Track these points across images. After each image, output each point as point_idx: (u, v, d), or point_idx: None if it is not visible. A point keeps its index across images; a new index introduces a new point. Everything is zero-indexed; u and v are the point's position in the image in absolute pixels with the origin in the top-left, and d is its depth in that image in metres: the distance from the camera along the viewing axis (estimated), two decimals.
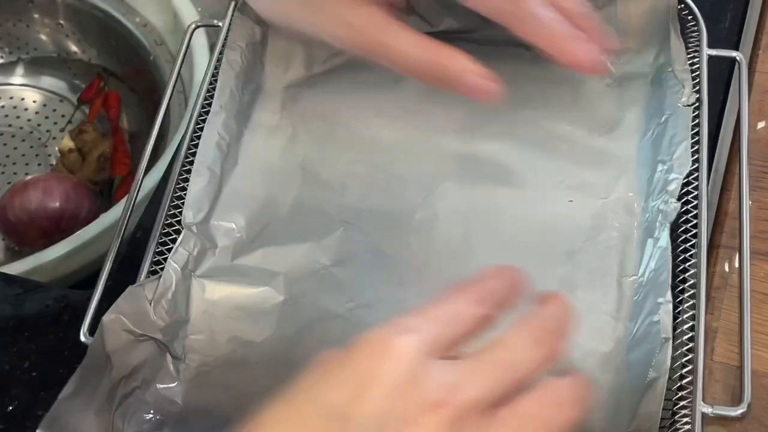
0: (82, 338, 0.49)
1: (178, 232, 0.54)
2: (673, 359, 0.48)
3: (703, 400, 0.45)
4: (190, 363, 0.51)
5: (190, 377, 0.50)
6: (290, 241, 0.56)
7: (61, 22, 0.90)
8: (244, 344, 0.52)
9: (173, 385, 0.50)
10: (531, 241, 0.55)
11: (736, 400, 0.48)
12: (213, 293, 0.54)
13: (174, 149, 0.61)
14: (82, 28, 0.90)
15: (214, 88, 0.60)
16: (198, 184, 0.56)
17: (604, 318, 0.51)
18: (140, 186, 0.57)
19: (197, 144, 0.58)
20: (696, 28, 0.59)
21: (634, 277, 0.52)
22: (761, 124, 0.59)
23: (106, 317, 0.48)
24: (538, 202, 0.57)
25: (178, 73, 0.62)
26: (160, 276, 0.52)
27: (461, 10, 0.57)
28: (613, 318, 0.51)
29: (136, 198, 0.56)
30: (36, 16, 0.90)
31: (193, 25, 0.64)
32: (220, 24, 0.63)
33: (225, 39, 0.62)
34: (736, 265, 0.53)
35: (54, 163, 0.86)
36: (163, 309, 0.51)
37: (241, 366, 0.52)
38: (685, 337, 0.48)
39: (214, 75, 0.61)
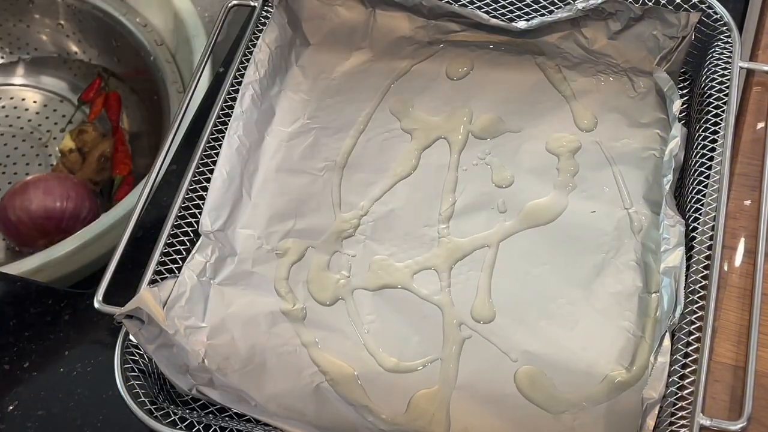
0: (96, 305, 0.51)
1: (187, 234, 0.54)
2: (675, 371, 0.48)
3: (702, 411, 0.45)
4: (210, 366, 0.51)
5: (205, 381, 0.51)
6: (311, 250, 0.57)
7: (62, 22, 0.90)
8: (263, 350, 0.52)
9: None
10: (554, 253, 0.55)
11: (736, 401, 0.48)
12: (233, 300, 0.54)
13: (174, 146, 0.61)
14: (83, 28, 0.89)
15: (238, 83, 0.60)
16: (217, 191, 0.56)
17: (626, 335, 0.52)
18: (158, 174, 0.58)
19: (213, 146, 0.58)
20: (730, 39, 0.59)
21: (656, 294, 0.52)
22: (761, 124, 0.59)
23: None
24: (560, 212, 0.57)
25: (208, 55, 0.63)
26: (175, 281, 0.52)
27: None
28: (636, 336, 0.51)
29: (155, 184, 0.57)
30: (36, 16, 0.90)
31: (229, 4, 0.65)
32: (255, 4, 0.63)
33: (251, 38, 0.62)
34: (737, 264, 0.53)
35: (54, 163, 0.86)
36: (175, 316, 0.51)
37: (259, 371, 0.52)
38: (690, 349, 0.48)
39: (239, 70, 0.61)
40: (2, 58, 0.92)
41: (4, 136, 0.88)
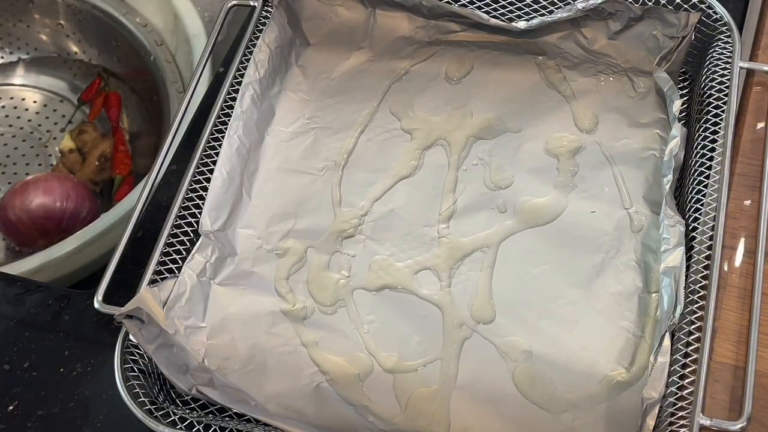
0: (96, 305, 0.51)
1: (187, 234, 0.54)
2: (674, 371, 0.48)
3: (702, 411, 0.45)
4: (210, 366, 0.51)
5: (205, 381, 0.51)
6: (311, 250, 0.57)
7: (62, 22, 0.90)
8: (263, 350, 0.52)
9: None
10: (554, 253, 0.55)
11: (736, 401, 0.48)
12: (233, 300, 0.54)
13: (174, 146, 0.61)
14: (83, 28, 0.89)
15: (238, 83, 0.60)
16: (217, 191, 0.56)
17: (626, 335, 0.52)
18: (158, 174, 0.58)
19: (213, 146, 0.58)
20: (730, 39, 0.59)
21: (656, 294, 0.52)
22: (761, 124, 0.59)
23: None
24: (560, 212, 0.57)
25: (208, 56, 0.62)
26: (175, 281, 0.52)
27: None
28: (636, 336, 0.51)
29: (155, 184, 0.57)
30: (36, 16, 0.90)
31: (229, 4, 0.65)
32: (255, 4, 0.63)
33: (251, 38, 0.62)
34: (737, 264, 0.53)
35: (54, 163, 0.86)
36: (175, 316, 0.51)
37: (259, 372, 0.52)
38: (690, 349, 0.48)
39: (239, 70, 0.61)
40: (2, 58, 0.92)
41: (4, 136, 0.88)
